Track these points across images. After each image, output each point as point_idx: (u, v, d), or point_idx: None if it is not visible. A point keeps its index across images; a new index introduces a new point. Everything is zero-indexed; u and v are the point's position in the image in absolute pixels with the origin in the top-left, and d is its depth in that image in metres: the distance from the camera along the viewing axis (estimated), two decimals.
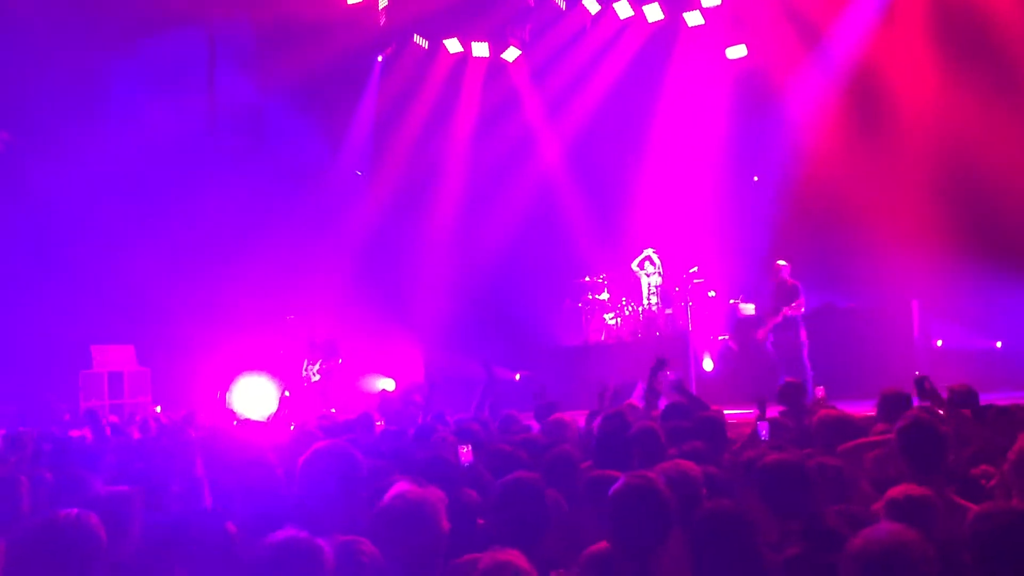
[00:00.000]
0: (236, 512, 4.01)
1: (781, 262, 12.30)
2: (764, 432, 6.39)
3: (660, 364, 7.46)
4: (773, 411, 7.10)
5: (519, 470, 3.94)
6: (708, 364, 13.36)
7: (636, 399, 9.31)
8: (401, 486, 3.59)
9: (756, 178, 15.28)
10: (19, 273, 14.01)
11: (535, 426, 7.30)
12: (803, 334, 11.92)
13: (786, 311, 11.81)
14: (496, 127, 16.75)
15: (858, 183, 13.61)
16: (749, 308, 13.52)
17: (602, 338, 14.80)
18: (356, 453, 3.96)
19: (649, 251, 14.68)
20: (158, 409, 13.43)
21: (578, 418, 7.04)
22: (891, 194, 13.40)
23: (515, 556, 2.92)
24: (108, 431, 7.93)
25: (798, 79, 14.67)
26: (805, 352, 11.86)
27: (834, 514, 3.35)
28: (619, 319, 14.72)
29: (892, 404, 5.59)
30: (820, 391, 7.89)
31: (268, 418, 11.69)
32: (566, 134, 16.54)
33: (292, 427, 8.88)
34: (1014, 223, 12.38)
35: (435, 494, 3.43)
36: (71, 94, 14.92)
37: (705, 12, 15.16)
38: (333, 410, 12.55)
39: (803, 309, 11.90)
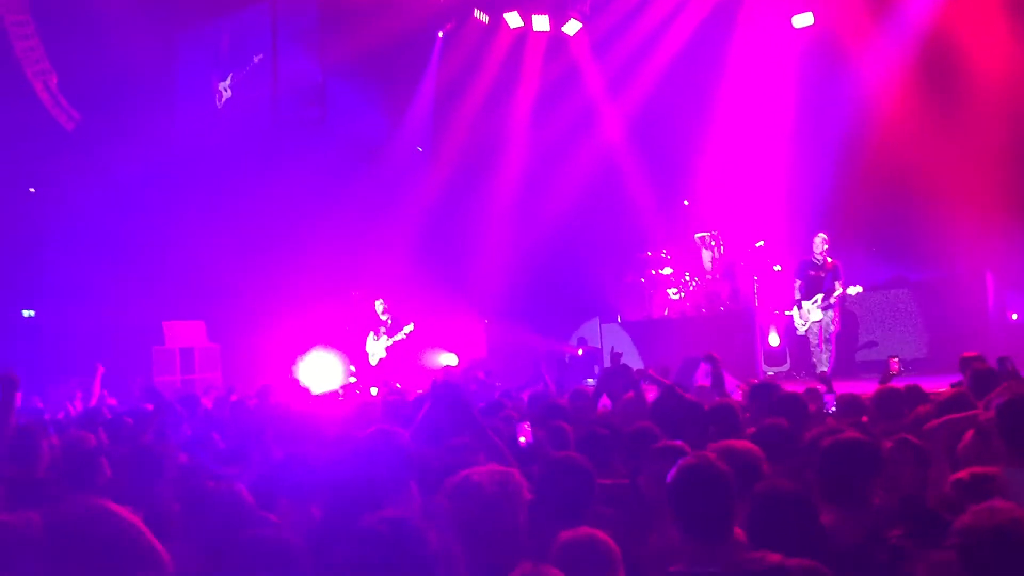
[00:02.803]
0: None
1: (820, 236, 11.85)
2: (831, 406, 6.32)
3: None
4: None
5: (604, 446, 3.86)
6: (774, 339, 13.19)
7: (700, 378, 9.24)
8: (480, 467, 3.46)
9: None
10: (94, 251, 14.35)
11: (605, 401, 7.30)
12: (837, 317, 11.76)
13: (825, 302, 11.60)
14: (557, 101, 16.61)
15: (930, 152, 13.20)
16: None
17: (665, 313, 14.70)
18: (404, 437, 3.85)
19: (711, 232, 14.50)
20: None
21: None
22: (964, 163, 12.99)
23: (597, 532, 2.89)
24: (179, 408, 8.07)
25: (867, 46, 14.27)
26: (834, 335, 11.73)
27: (934, 497, 3.24)
28: (682, 294, 14.60)
29: (982, 379, 5.46)
30: (894, 364, 7.71)
31: (336, 392, 11.84)
32: (628, 107, 16.32)
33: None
34: None
35: (515, 476, 3.27)
36: (139, 74, 15.19)
37: None
38: (398, 385, 12.68)
39: (842, 290, 11.59)
